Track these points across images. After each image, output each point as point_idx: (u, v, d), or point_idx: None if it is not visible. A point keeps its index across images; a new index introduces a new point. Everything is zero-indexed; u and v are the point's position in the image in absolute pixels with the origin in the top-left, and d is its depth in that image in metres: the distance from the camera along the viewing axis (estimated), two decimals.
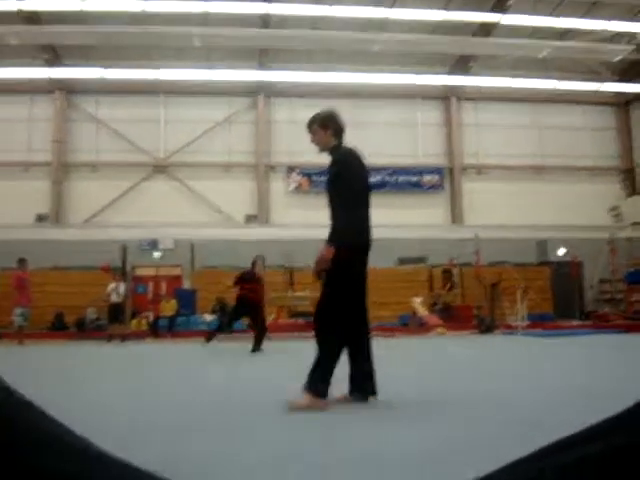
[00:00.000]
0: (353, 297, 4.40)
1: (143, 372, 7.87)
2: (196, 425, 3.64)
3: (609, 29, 21.20)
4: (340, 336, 4.30)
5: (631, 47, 21.13)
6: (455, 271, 21.60)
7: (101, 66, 22.30)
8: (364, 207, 4.47)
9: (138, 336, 17.85)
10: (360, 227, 4.39)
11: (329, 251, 4.26)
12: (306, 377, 4.17)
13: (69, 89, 23.75)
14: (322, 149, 4.72)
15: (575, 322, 20.03)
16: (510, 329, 16.40)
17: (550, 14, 21.36)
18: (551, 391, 4.89)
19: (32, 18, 20.14)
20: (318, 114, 4.75)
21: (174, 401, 4.79)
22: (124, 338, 16.14)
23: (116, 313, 16.50)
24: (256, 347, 10.84)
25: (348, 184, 4.37)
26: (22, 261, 15.21)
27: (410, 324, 18.07)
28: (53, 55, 22.43)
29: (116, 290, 16.37)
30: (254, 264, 11.88)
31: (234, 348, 12.00)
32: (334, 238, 4.28)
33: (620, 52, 20.99)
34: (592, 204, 24.40)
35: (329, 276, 4.34)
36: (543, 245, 23.80)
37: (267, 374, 7.19)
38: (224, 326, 12.92)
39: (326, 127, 4.63)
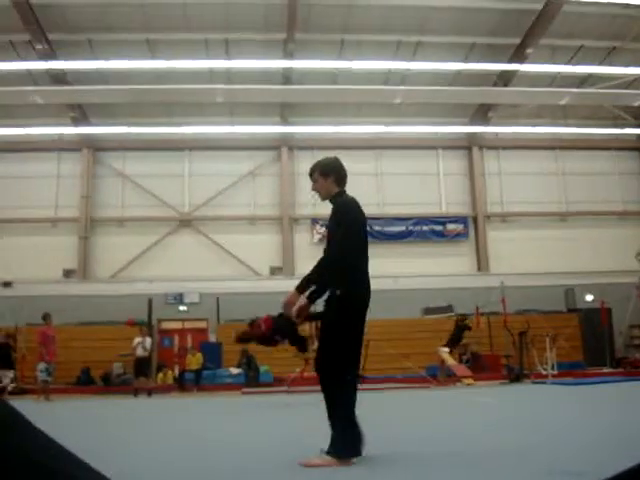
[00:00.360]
0: (354, 345, 4.28)
1: (174, 428, 7.83)
2: None
3: (628, 73, 21.27)
4: (349, 384, 4.19)
5: None
6: (482, 320, 21.29)
7: (126, 123, 22.79)
8: (363, 256, 4.39)
9: (164, 390, 17.82)
10: (359, 277, 4.30)
11: (295, 296, 4.24)
12: (330, 440, 4.06)
13: (96, 146, 24.21)
14: (324, 197, 4.63)
15: (606, 369, 19.66)
16: (540, 378, 16.12)
17: (568, 62, 21.52)
18: (579, 442, 4.78)
19: (59, 77, 20.67)
20: (319, 162, 4.68)
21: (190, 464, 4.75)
22: (150, 392, 16.09)
23: (142, 367, 16.47)
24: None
25: (349, 233, 4.31)
26: (46, 316, 15.28)
27: (439, 375, 17.82)
28: (80, 113, 22.92)
29: (142, 344, 16.38)
30: None
31: (263, 400, 11.89)
32: (342, 284, 4.23)
33: None
34: (619, 249, 24.11)
35: (331, 325, 4.25)
36: (571, 292, 23.52)
37: (293, 429, 7.11)
38: (251, 379, 12.87)
39: (327, 175, 4.56)
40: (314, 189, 4.68)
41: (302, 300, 4.23)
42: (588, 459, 3.86)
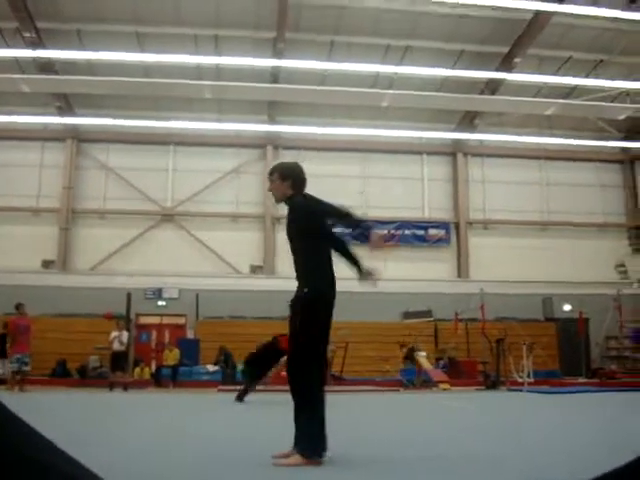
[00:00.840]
0: (322, 343, 4.30)
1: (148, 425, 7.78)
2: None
3: (614, 87, 21.46)
4: (319, 383, 4.20)
5: (636, 106, 21.33)
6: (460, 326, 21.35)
7: (112, 115, 22.60)
8: (325, 254, 4.42)
9: (141, 385, 17.73)
10: (322, 274, 4.33)
11: (375, 234, 4.47)
12: (294, 436, 4.07)
13: (80, 137, 24.02)
14: (278, 200, 4.69)
15: (581, 379, 19.82)
16: (516, 385, 16.22)
17: (555, 73, 21.67)
18: (554, 450, 4.81)
19: (46, 67, 20.50)
20: (281, 164, 4.76)
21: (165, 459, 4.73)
22: (126, 387, 15.99)
23: (118, 361, 16.34)
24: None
25: (307, 230, 4.39)
26: (19, 306, 14.84)
27: (415, 379, 17.88)
28: (65, 103, 22.74)
29: (118, 338, 16.23)
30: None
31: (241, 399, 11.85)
32: (307, 283, 4.28)
33: (625, 110, 21.18)
34: (598, 260, 24.33)
35: (299, 324, 4.26)
36: (549, 301, 23.68)
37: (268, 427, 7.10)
38: (228, 377, 12.90)
39: (285, 178, 4.58)
40: (269, 189, 4.73)
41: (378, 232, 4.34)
42: (562, 467, 3.89)
